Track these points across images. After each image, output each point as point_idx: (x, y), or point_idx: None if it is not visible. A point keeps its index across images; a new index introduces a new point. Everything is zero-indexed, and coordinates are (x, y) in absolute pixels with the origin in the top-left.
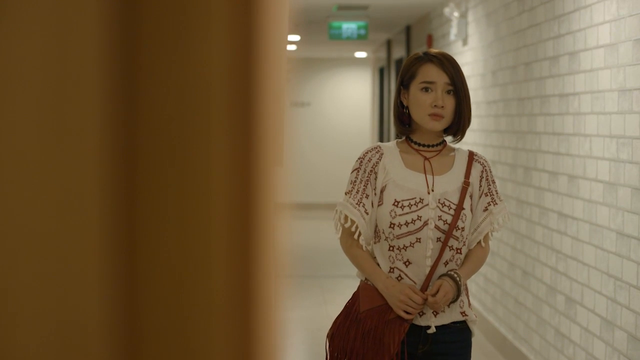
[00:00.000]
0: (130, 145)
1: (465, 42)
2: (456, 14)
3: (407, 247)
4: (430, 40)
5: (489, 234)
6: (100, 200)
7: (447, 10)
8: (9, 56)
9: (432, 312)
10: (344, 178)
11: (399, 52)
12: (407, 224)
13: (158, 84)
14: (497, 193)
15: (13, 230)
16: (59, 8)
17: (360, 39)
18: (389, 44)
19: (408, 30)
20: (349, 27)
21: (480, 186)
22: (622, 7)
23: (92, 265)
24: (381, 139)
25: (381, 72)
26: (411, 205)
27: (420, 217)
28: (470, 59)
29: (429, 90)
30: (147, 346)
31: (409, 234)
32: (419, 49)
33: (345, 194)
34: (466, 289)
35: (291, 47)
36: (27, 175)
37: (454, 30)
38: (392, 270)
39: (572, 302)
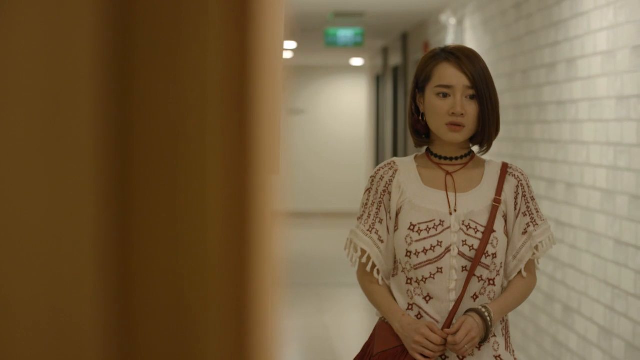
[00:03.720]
0: (125, 151)
1: None
2: (453, 21)
3: (426, 278)
4: (426, 48)
5: (535, 261)
6: (95, 206)
7: (443, 17)
8: (4, 57)
9: (458, 356)
10: (340, 186)
11: (395, 60)
12: (425, 251)
13: (153, 91)
14: (537, 212)
15: (7, 231)
16: (55, 9)
17: (356, 46)
18: (385, 52)
19: (404, 37)
20: (345, 34)
21: (516, 204)
22: (620, 14)
23: (86, 269)
24: (377, 147)
25: (377, 79)
26: (429, 228)
27: (441, 242)
28: None
29: (447, 95)
30: (142, 352)
31: (429, 263)
32: (416, 55)
33: (357, 219)
34: (506, 327)
35: (287, 55)
36: (22, 176)
37: (450, 37)
38: (410, 307)
39: (570, 310)
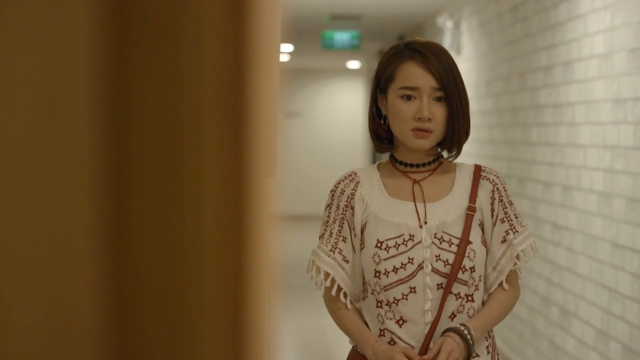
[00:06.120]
0: (122, 153)
1: (458, 52)
2: (449, 23)
3: (398, 300)
4: None
5: (517, 271)
6: (91, 206)
7: (440, 20)
8: (1, 58)
9: None
10: None
11: None
12: (395, 269)
13: (150, 93)
14: (517, 218)
15: (4, 229)
16: (52, 10)
17: (353, 49)
18: (382, 54)
19: (401, 40)
20: (342, 37)
21: (493, 210)
22: (616, 16)
23: (82, 268)
24: (373, 149)
25: None
26: (398, 244)
27: (412, 259)
28: (463, 69)
29: (412, 98)
30: (138, 353)
31: (400, 283)
32: None
33: (319, 238)
34: (493, 344)
35: (284, 58)
36: (19, 175)
37: (447, 40)
38: (382, 333)
39: (567, 313)
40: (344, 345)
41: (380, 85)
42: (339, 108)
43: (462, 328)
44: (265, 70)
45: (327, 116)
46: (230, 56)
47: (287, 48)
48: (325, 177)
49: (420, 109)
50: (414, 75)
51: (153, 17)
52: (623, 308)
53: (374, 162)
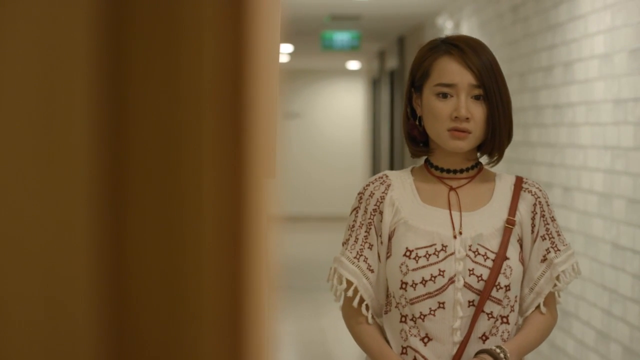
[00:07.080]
0: (120, 154)
1: None
2: (449, 24)
3: (425, 315)
4: None
5: (556, 294)
6: (89, 205)
7: (440, 21)
8: None
9: None
10: (337, 190)
11: (392, 63)
12: (424, 282)
13: (149, 94)
14: (559, 235)
15: (2, 228)
16: (49, 9)
17: (352, 50)
18: (382, 55)
19: (401, 40)
20: (342, 37)
21: (533, 226)
22: (617, 17)
23: (80, 270)
24: (374, 150)
25: (374, 83)
26: (429, 255)
27: (443, 271)
28: None
29: (448, 96)
30: (136, 351)
31: (429, 297)
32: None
33: (342, 244)
34: None
35: (283, 58)
36: (17, 173)
37: None
38: (404, 350)
39: (567, 314)
40: (344, 346)
41: (415, 83)
42: (338, 109)
43: (497, 351)
44: (265, 71)
45: (326, 117)
46: (229, 57)
47: (286, 48)
48: (325, 178)
49: (458, 107)
50: (451, 71)
51: (151, 16)
52: (623, 309)
53: (374, 162)
